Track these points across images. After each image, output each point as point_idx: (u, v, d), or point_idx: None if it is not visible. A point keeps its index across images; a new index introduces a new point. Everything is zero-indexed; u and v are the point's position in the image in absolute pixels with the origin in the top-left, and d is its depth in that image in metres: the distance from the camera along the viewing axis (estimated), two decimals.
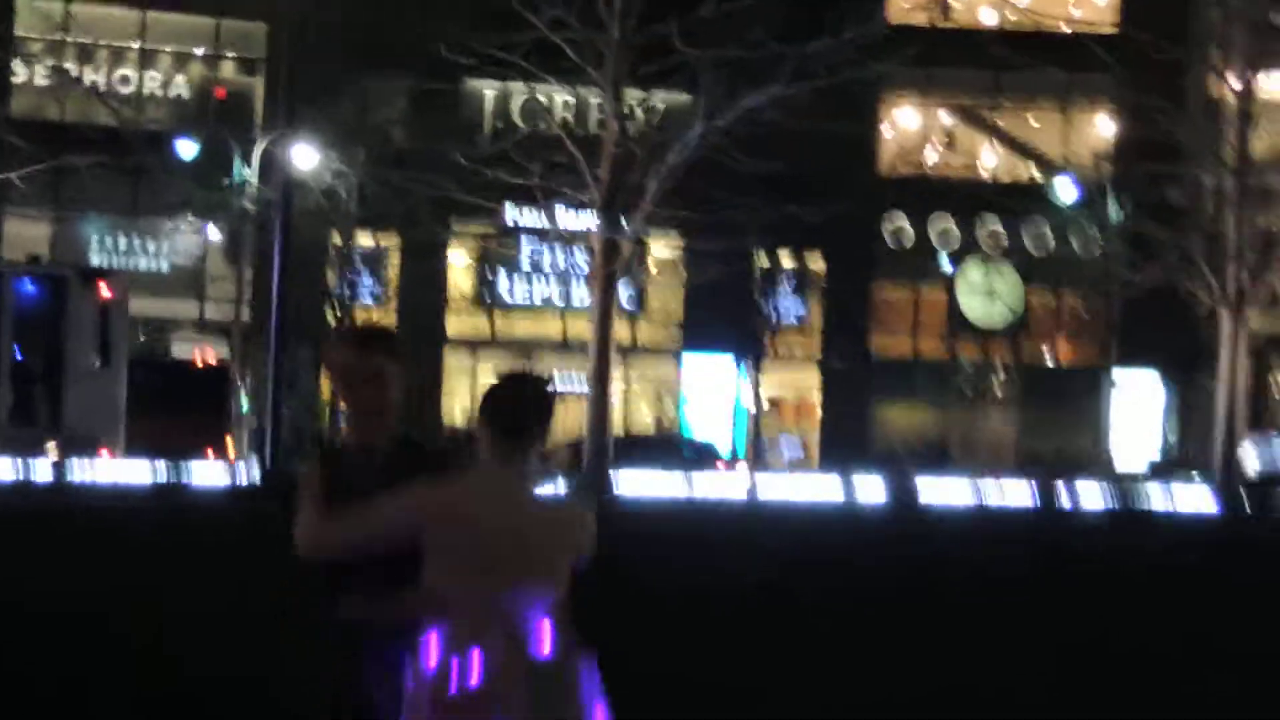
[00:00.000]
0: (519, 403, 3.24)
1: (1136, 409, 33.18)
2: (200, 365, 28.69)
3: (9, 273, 23.38)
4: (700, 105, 22.12)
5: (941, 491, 22.75)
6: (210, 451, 24.50)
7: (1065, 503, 21.09)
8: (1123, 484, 24.70)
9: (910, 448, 32.59)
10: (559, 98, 27.67)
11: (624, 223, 21.78)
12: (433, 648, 3.30)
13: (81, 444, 20.86)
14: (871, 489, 21.46)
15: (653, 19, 21.51)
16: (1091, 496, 21.29)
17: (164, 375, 27.08)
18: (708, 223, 24.61)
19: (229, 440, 26.53)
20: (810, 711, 7.25)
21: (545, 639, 3.50)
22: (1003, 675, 8.20)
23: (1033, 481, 22.65)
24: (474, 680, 3.21)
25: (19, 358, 22.33)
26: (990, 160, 35.67)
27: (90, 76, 29.21)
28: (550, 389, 3.35)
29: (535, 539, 3.34)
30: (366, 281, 31.20)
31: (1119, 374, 31.67)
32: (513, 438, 3.19)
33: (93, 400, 22.32)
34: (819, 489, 22.11)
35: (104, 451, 20.63)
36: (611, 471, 21.73)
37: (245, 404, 27.88)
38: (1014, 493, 21.82)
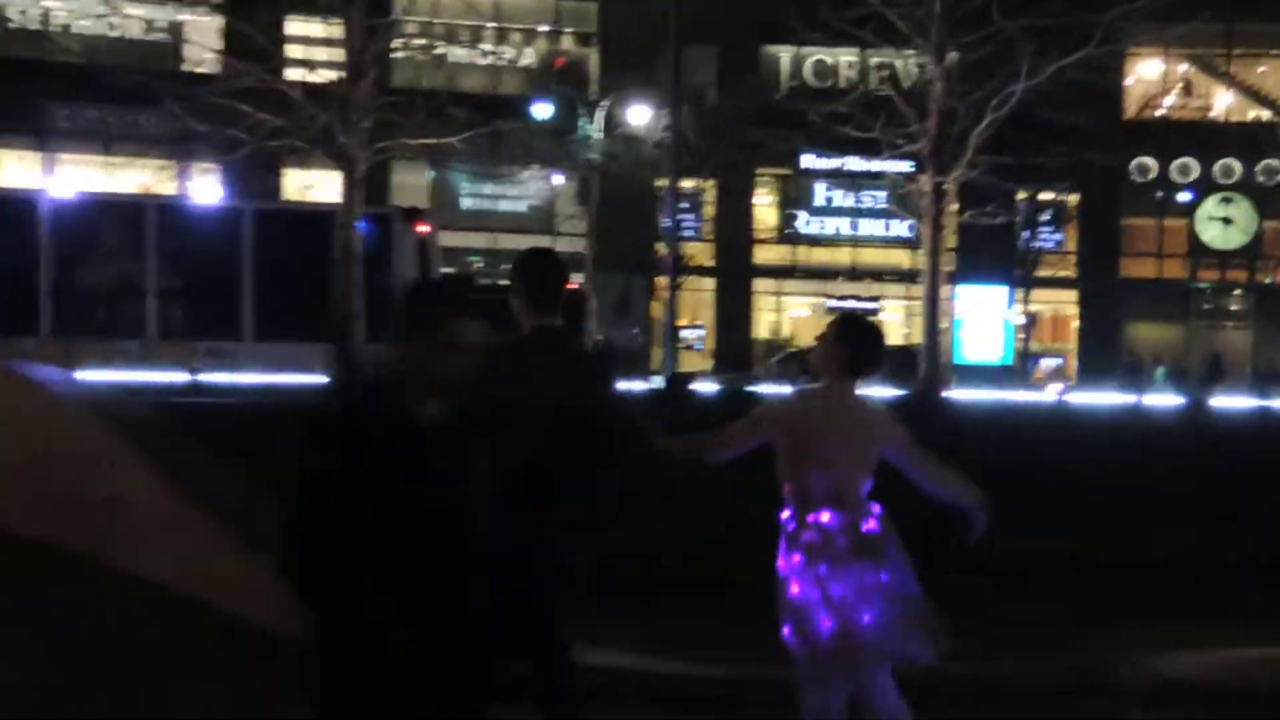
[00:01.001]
0: (869, 347, 4.32)
1: None
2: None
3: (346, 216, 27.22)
4: (1019, 67, 25.37)
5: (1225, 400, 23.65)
6: None
7: None
8: None
9: (1164, 361, 34.02)
10: (874, 59, 31.07)
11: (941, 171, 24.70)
12: (788, 517, 4.19)
13: None
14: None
15: None
16: None
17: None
18: (994, 165, 28.03)
19: None
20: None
21: (867, 514, 4.26)
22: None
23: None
24: (812, 537, 4.12)
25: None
26: (1224, 104, 36.85)
27: (457, 52, 32.53)
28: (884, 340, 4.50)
29: (855, 436, 4.24)
30: (688, 220, 34.46)
31: None
32: (853, 371, 4.26)
33: None
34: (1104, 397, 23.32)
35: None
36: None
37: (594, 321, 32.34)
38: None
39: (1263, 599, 10.50)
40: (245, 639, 5.55)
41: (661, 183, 32.79)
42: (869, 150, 26.81)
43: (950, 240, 37.02)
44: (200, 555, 6.24)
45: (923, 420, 10.06)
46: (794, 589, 4.18)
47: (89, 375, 13.06)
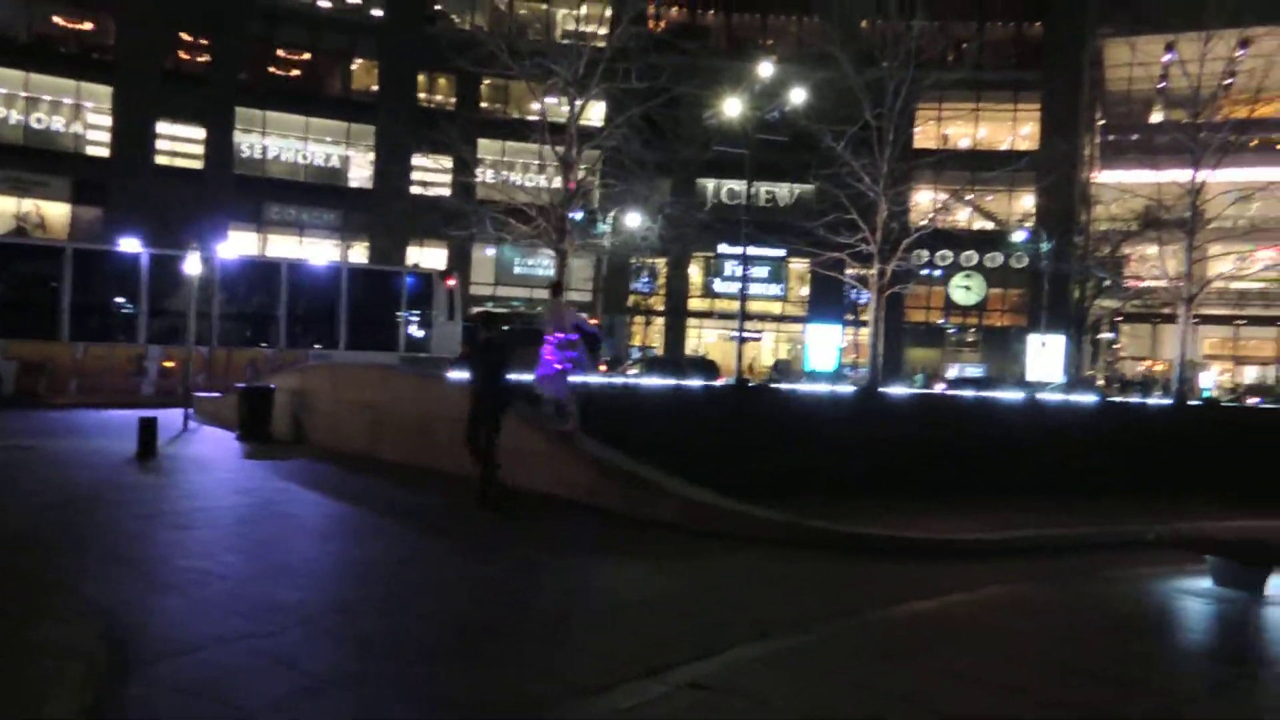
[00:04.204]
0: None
1: None
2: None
3: (404, 272, 31.69)
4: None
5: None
6: None
7: None
8: None
9: (922, 373, 42.89)
10: (764, 189, 45.16)
11: None
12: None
13: (440, 361, 25.39)
14: None
15: None
16: None
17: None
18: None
19: None
20: None
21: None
22: None
23: None
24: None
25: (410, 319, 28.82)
26: (966, 218, 46.37)
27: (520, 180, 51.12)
28: None
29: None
30: (648, 282, 46.94)
31: None
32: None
33: (443, 337, 28.36)
34: None
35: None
36: None
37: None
38: None
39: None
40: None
41: (634, 260, 45.20)
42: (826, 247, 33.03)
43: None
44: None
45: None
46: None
47: None
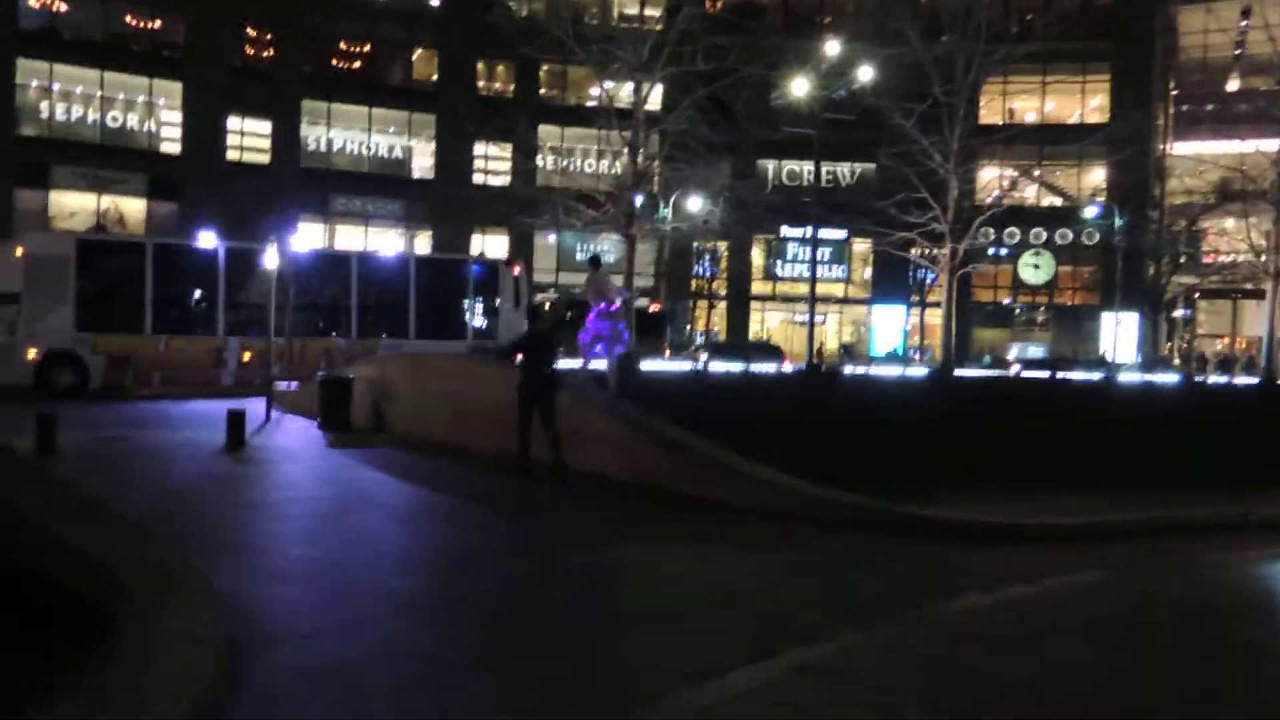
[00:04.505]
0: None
1: None
2: (650, 311, 40.10)
3: (470, 261, 30.86)
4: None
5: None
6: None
7: None
8: None
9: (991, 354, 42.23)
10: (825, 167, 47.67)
11: None
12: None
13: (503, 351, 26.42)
14: None
15: None
16: None
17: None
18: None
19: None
20: None
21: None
22: None
23: None
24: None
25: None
26: (1033, 194, 44.70)
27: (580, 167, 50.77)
28: None
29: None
30: (710, 266, 46.49)
31: None
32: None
33: (510, 325, 27.54)
34: None
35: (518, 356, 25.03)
36: None
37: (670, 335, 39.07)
38: None
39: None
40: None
41: (696, 244, 44.76)
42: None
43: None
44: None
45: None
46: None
47: None
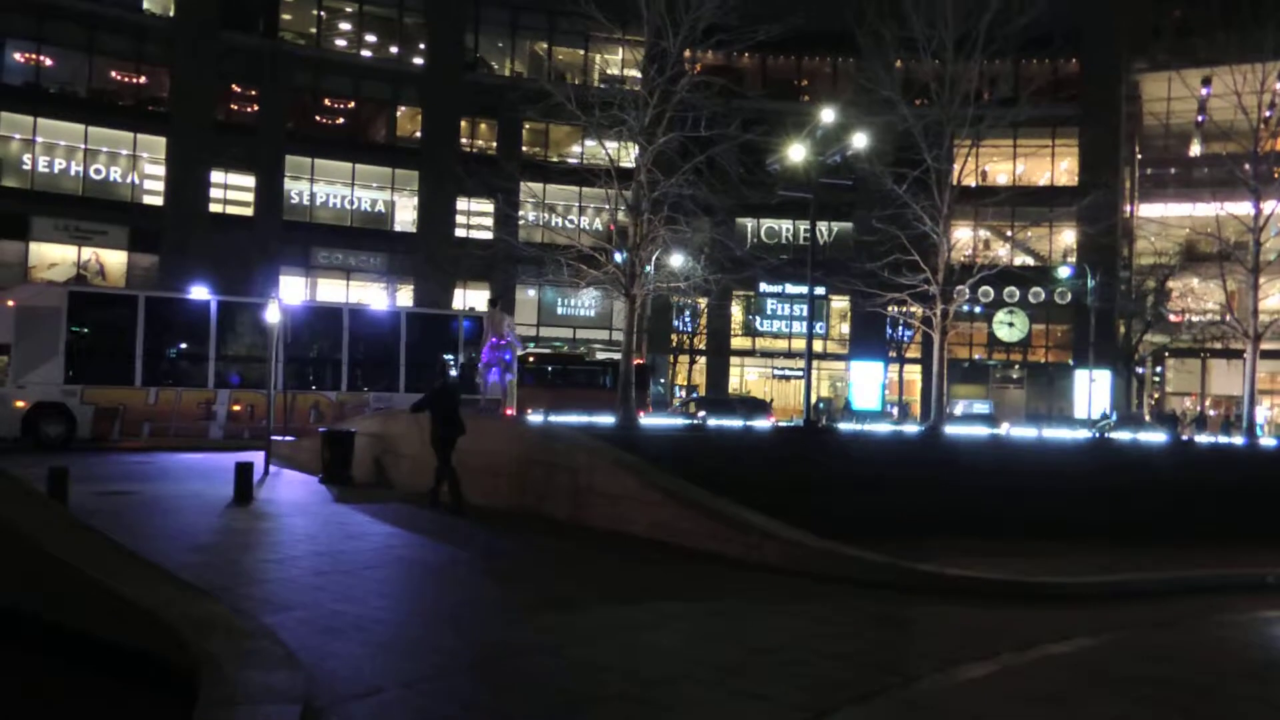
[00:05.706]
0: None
1: None
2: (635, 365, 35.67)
3: (459, 316, 31.10)
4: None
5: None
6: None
7: None
8: None
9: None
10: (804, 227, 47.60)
11: None
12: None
13: (492, 406, 24.06)
14: None
15: None
16: None
17: (604, 370, 36.50)
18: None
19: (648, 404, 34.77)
20: None
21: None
22: None
23: None
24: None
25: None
26: (1006, 254, 44.61)
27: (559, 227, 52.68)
28: None
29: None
30: (689, 321, 46.35)
31: None
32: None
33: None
34: None
35: (508, 410, 22.41)
36: None
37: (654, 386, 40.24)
38: None
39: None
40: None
41: (675, 299, 45.41)
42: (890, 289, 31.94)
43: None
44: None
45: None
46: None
47: None
